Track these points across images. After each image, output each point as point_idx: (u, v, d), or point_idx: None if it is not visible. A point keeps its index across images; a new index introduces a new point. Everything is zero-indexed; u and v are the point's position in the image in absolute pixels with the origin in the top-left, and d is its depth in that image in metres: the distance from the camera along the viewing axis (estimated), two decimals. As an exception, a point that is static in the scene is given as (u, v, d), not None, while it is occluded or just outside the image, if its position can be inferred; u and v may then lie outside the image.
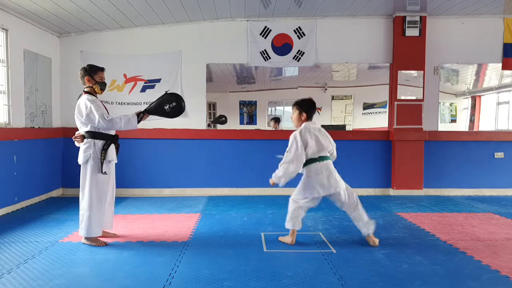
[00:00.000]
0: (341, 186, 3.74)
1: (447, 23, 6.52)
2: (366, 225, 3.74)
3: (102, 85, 3.86)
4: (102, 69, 3.87)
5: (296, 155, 3.58)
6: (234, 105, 10.71)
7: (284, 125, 10.30)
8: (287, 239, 3.81)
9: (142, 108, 3.96)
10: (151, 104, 3.91)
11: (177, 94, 3.98)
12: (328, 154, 3.74)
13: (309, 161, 3.66)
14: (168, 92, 3.91)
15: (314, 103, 3.80)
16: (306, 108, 3.74)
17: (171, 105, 3.81)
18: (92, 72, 3.80)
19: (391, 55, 6.56)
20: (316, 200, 3.78)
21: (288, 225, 3.79)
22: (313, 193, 3.69)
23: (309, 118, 3.74)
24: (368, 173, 6.65)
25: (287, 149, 3.65)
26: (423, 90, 6.47)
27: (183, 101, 3.89)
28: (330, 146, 3.75)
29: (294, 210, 3.77)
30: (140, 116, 3.81)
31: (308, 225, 4.52)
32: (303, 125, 3.71)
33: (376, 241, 3.77)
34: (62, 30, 6.28)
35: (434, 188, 6.59)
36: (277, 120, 8.63)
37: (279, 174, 3.63)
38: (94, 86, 3.81)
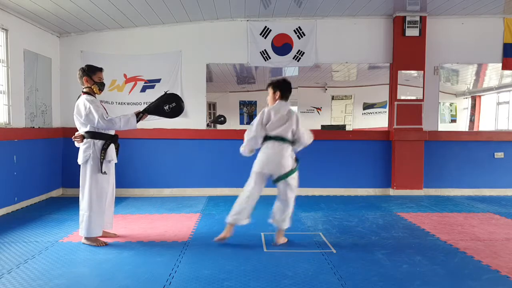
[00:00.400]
0: (282, 172, 3.66)
1: (447, 23, 6.52)
2: (284, 221, 3.75)
3: (101, 86, 3.86)
4: (100, 70, 3.87)
5: (256, 128, 3.67)
6: (234, 105, 10.70)
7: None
8: (222, 233, 3.77)
9: (142, 108, 3.97)
10: (150, 104, 3.92)
11: (177, 94, 4.00)
12: (287, 138, 3.68)
13: (267, 138, 3.70)
14: (167, 92, 3.92)
15: (289, 83, 3.84)
16: (280, 87, 3.78)
17: (170, 105, 3.83)
18: (91, 73, 3.80)
19: (391, 55, 6.56)
20: (261, 178, 3.74)
21: (228, 217, 3.78)
22: (255, 167, 3.72)
23: (283, 97, 3.77)
24: (368, 173, 6.65)
25: (252, 122, 3.76)
26: (423, 90, 6.47)
27: (183, 101, 3.92)
28: (292, 129, 3.68)
29: (240, 198, 3.78)
30: (140, 116, 3.81)
31: (308, 225, 4.53)
32: (275, 104, 3.75)
33: (281, 240, 3.77)
34: (62, 30, 6.28)
35: (434, 188, 6.59)
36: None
37: (244, 143, 3.77)
38: (92, 87, 3.81)
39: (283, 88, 3.78)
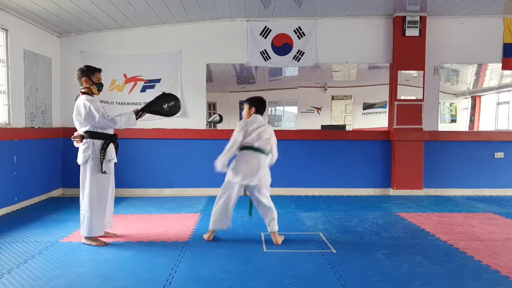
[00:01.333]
0: (261, 182, 3.79)
1: (447, 23, 6.52)
2: (269, 224, 3.80)
3: (99, 86, 3.87)
4: (99, 70, 3.87)
5: (234, 139, 3.81)
6: (234, 105, 10.70)
7: (285, 124, 10.31)
8: (205, 235, 3.92)
9: (140, 107, 3.99)
10: (148, 102, 3.97)
11: (174, 94, 4.10)
12: (263, 149, 3.82)
13: (243, 147, 3.81)
14: (165, 92, 4.00)
15: (263, 101, 4.02)
16: (255, 103, 3.95)
17: (169, 104, 3.91)
18: (89, 73, 3.80)
19: (391, 55, 6.56)
20: (235, 188, 3.83)
21: (211, 225, 3.91)
22: (234, 177, 3.79)
23: (257, 112, 3.92)
24: (368, 173, 6.65)
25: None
26: (423, 90, 6.47)
27: (180, 100, 4.04)
28: (268, 143, 3.84)
29: (217, 206, 3.88)
30: (138, 114, 3.85)
31: (308, 225, 4.53)
32: (250, 117, 3.90)
33: (279, 239, 3.81)
34: (62, 30, 6.28)
35: (434, 188, 6.59)
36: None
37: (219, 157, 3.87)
38: (91, 87, 3.81)
39: (257, 105, 3.95)
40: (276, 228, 3.81)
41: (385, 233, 4.22)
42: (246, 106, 3.98)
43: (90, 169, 3.69)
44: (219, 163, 3.84)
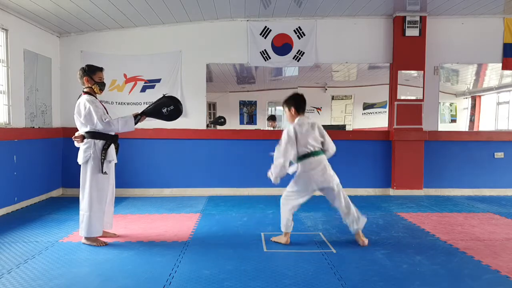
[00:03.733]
0: (335, 181, 3.75)
1: (447, 23, 6.52)
2: (356, 220, 3.76)
3: (101, 85, 3.87)
4: (101, 69, 3.87)
5: (285, 150, 3.59)
6: (234, 105, 10.71)
7: (285, 125, 10.30)
8: (282, 239, 3.82)
9: (141, 109, 3.97)
10: (148, 106, 3.95)
11: (175, 97, 4.03)
12: (320, 149, 3.73)
13: (302, 157, 3.67)
14: (166, 95, 3.94)
15: (301, 96, 3.81)
16: (293, 102, 3.76)
17: (169, 108, 3.84)
18: (91, 73, 3.80)
19: (391, 55, 6.56)
20: (308, 195, 3.74)
21: (283, 227, 3.80)
22: (307, 187, 3.68)
23: (298, 111, 3.75)
24: (368, 173, 6.64)
25: (278, 144, 3.68)
26: (423, 90, 6.47)
27: (181, 104, 3.96)
28: (320, 142, 3.74)
29: (285, 212, 3.77)
30: (138, 118, 3.82)
31: (308, 225, 4.53)
32: (296, 120, 3.74)
33: (366, 241, 3.78)
34: (62, 30, 6.28)
35: (434, 188, 6.59)
36: (273, 118, 8.54)
37: (271, 170, 3.67)
38: (93, 87, 3.81)
39: (296, 103, 3.76)
40: (360, 226, 3.77)
41: (385, 233, 4.22)
42: (285, 109, 3.78)
43: (90, 169, 3.69)
44: (273, 174, 3.65)
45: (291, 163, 3.69)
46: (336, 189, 3.75)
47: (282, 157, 3.59)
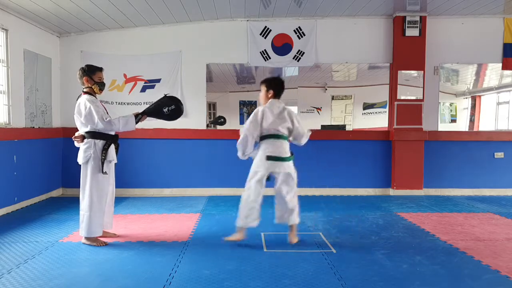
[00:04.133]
0: (286, 170, 3.70)
1: (447, 23, 6.52)
2: (290, 215, 3.76)
3: (101, 85, 3.86)
4: (100, 69, 3.86)
5: (248, 128, 3.65)
6: (234, 105, 10.71)
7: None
8: (234, 236, 3.77)
9: (141, 109, 3.97)
10: (149, 106, 3.95)
11: (177, 97, 4.03)
12: (284, 135, 3.72)
13: (264, 136, 3.70)
14: (167, 95, 3.93)
15: (282, 82, 3.84)
16: (274, 85, 3.78)
17: (170, 108, 3.85)
18: (91, 73, 3.80)
19: (391, 55, 6.56)
20: (262, 172, 3.70)
21: (239, 221, 3.74)
22: (260, 167, 3.67)
23: (276, 96, 3.77)
24: (368, 173, 6.64)
25: (245, 121, 3.74)
26: (423, 90, 6.47)
27: (182, 104, 3.96)
28: (289, 126, 3.72)
29: (246, 202, 3.72)
30: (138, 117, 3.82)
31: (308, 225, 4.52)
32: (268, 102, 3.75)
33: (294, 240, 3.76)
34: (62, 30, 6.28)
35: (434, 188, 6.59)
36: None
37: (237, 146, 3.72)
38: (93, 86, 3.81)
39: (276, 87, 3.77)
40: (291, 222, 3.78)
41: (385, 233, 4.22)
42: (263, 89, 3.80)
43: (91, 169, 3.69)
44: (239, 150, 3.76)
45: (256, 144, 3.74)
46: (286, 178, 3.70)
47: (244, 133, 3.66)
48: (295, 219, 3.78)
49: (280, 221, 3.86)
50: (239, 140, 3.72)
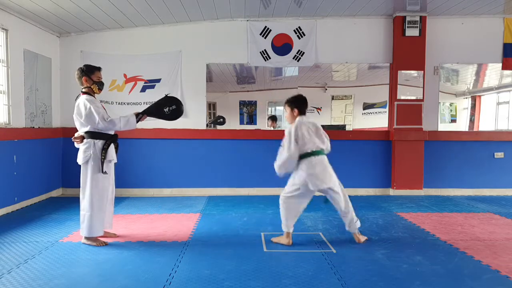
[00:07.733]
0: (334, 181, 3.77)
1: (447, 23, 6.52)
2: (352, 223, 3.83)
3: (100, 85, 3.86)
4: (99, 69, 3.86)
5: (289, 147, 3.62)
6: (234, 105, 10.72)
7: (285, 125, 10.31)
8: (283, 240, 3.80)
9: (141, 109, 3.98)
10: (150, 105, 3.95)
11: (177, 98, 4.05)
12: (322, 149, 3.76)
13: (303, 156, 3.68)
14: (168, 95, 3.95)
15: (304, 99, 3.86)
16: (297, 104, 3.79)
17: (170, 107, 3.87)
18: (89, 72, 3.80)
19: (391, 55, 6.56)
20: (309, 196, 3.76)
21: (283, 227, 3.80)
22: (305, 185, 3.67)
23: (301, 113, 3.78)
24: (368, 173, 6.64)
25: (282, 143, 3.70)
26: (423, 90, 6.47)
27: (182, 104, 3.98)
28: (324, 141, 3.78)
29: (285, 210, 3.76)
30: (139, 116, 3.83)
31: (308, 225, 4.53)
32: (296, 120, 3.75)
33: (362, 239, 3.85)
34: (62, 30, 6.28)
35: (434, 188, 6.59)
36: (274, 118, 8.58)
37: (277, 163, 3.70)
38: (92, 86, 3.80)
39: (300, 105, 3.79)
40: (355, 230, 3.86)
41: (385, 233, 4.22)
42: (287, 109, 3.82)
43: (91, 169, 3.69)
44: (279, 168, 3.71)
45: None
46: (336, 190, 3.76)
47: (286, 152, 3.63)
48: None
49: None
50: (281, 162, 3.68)
